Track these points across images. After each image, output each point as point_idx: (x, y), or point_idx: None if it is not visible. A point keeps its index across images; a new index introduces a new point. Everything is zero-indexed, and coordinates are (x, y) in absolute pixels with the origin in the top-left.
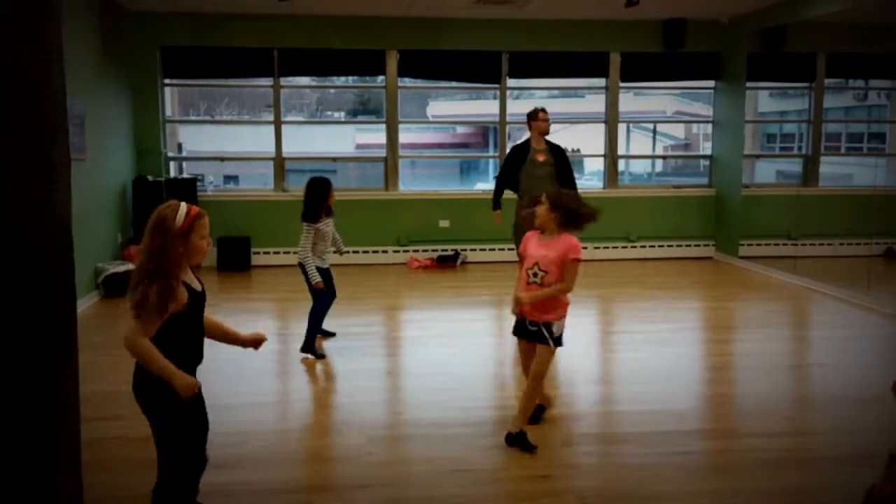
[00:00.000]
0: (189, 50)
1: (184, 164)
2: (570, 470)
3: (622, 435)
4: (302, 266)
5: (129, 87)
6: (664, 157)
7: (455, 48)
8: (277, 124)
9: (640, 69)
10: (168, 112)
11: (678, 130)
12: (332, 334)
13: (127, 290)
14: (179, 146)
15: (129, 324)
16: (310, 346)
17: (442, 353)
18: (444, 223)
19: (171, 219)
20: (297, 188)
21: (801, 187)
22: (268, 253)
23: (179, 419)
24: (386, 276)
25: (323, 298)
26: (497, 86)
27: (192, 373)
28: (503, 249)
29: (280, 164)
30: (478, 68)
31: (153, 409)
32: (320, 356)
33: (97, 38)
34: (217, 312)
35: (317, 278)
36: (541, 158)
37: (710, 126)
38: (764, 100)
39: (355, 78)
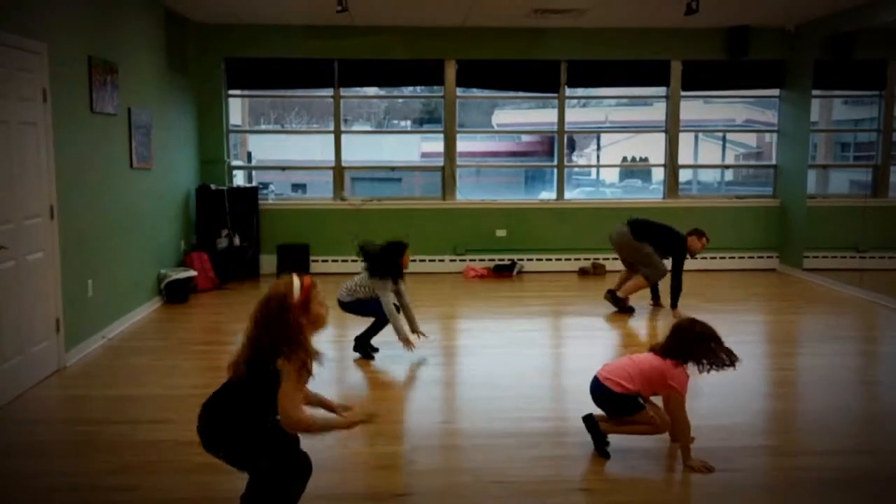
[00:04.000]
0: (252, 61)
1: (253, 172)
2: (613, 484)
3: (669, 449)
4: (346, 304)
5: (194, 98)
6: (726, 167)
7: (513, 58)
8: (337, 134)
9: (703, 78)
10: (238, 121)
11: (751, 139)
12: (376, 350)
13: (233, 370)
14: (249, 155)
15: (282, 401)
16: (363, 345)
17: (494, 363)
18: (500, 232)
19: (290, 295)
20: (355, 197)
21: (869, 198)
22: (326, 261)
23: (279, 465)
24: (442, 284)
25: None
26: (556, 95)
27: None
28: (560, 259)
29: (339, 172)
30: (536, 77)
31: (248, 461)
32: (374, 351)
33: (163, 50)
34: None
35: (404, 334)
36: None
37: None
38: (838, 108)
39: (422, 88)
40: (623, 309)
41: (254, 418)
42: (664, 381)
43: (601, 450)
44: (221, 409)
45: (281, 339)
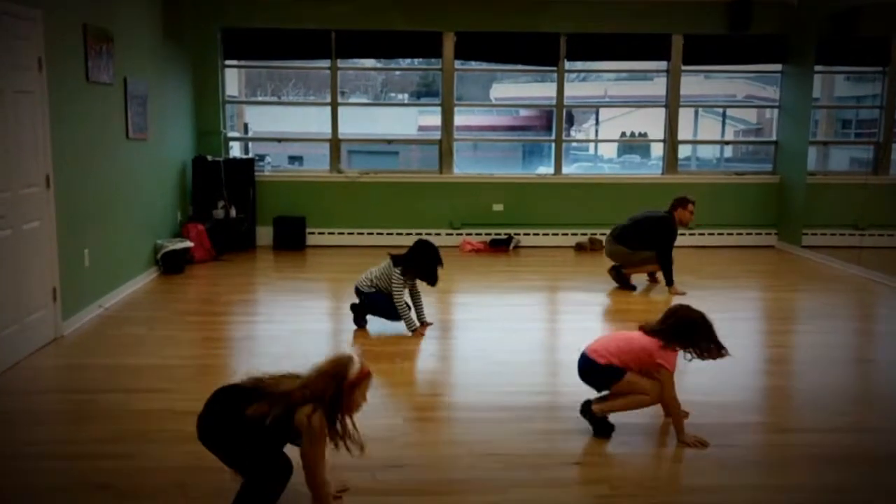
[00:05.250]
0: (248, 31)
1: (249, 144)
2: (606, 459)
3: (665, 425)
4: (363, 293)
5: (190, 69)
6: (726, 143)
7: (512, 30)
8: (334, 106)
9: (704, 52)
10: (234, 92)
11: (751, 115)
12: (366, 322)
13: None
14: (245, 126)
15: (308, 439)
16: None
17: (488, 338)
18: (497, 207)
19: (348, 370)
20: (352, 170)
21: (870, 175)
22: (322, 233)
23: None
24: None
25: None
26: (555, 68)
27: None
28: (556, 234)
29: (336, 145)
30: (535, 50)
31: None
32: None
33: (159, 20)
34: (273, 292)
35: (415, 328)
36: None
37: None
38: (840, 84)
39: (420, 60)
40: (625, 285)
41: (263, 437)
42: (652, 359)
43: (603, 433)
44: (234, 416)
45: (317, 397)
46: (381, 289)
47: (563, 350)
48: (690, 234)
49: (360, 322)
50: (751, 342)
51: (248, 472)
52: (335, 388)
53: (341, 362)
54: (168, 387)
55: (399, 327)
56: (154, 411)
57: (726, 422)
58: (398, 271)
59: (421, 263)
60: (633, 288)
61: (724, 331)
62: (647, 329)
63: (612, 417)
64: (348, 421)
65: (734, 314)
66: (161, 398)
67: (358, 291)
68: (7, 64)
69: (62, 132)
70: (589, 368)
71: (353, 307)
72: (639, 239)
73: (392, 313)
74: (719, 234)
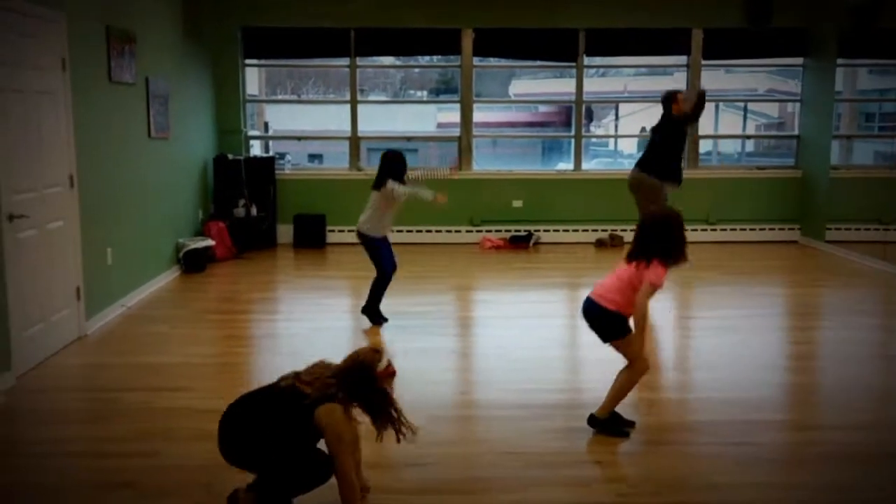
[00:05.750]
0: (268, 30)
1: (270, 142)
2: (626, 457)
3: (684, 423)
4: (366, 237)
5: (211, 68)
6: (747, 137)
7: (531, 26)
8: (353, 104)
9: (724, 46)
10: (255, 91)
11: (772, 109)
12: (386, 320)
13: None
14: (266, 125)
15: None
16: (372, 310)
17: (509, 335)
18: (517, 203)
19: (376, 364)
20: (371, 167)
21: (894, 169)
22: (342, 231)
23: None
24: (457, 255)
25: (387, 269)
26: (574, 64)
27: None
28: (577, 230)
29: (355, 142)
30: (554, 46)
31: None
32: (383, 320)
33: (180, 20)
34: (293, 290)
35: (429, 193)
36: None
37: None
38: (863, 77)
39: (439, 57)
40: None
41: (287, 439)
42: (641, 279)
43: (618, 432)
44: (259, 427)
45: (349, 387)
46: (384, 235)
47: (583, 347)
48: (712, 230)
49: (377, 320)
50: (773, 338)
51: (284, 472)
52: (365, 380)
53: (368, 361)
54: (190, 385)
55: (416, 322)
56: (177, 409)
57: (747, 419)
58: (392, 182)
59: (399, 167)
60: None
61: (747, 327)
62: (629, 255)
63: (632, 415)
64: (393, 406)
65: (756, 310)
66: (183, 396)
67: (362, 236)
68: (32, 65)
69: (85, 132)
70: (597, 313)
71: (364, 309)
72: (656, 153)
73: (381, 261)
74: (741, 229)
